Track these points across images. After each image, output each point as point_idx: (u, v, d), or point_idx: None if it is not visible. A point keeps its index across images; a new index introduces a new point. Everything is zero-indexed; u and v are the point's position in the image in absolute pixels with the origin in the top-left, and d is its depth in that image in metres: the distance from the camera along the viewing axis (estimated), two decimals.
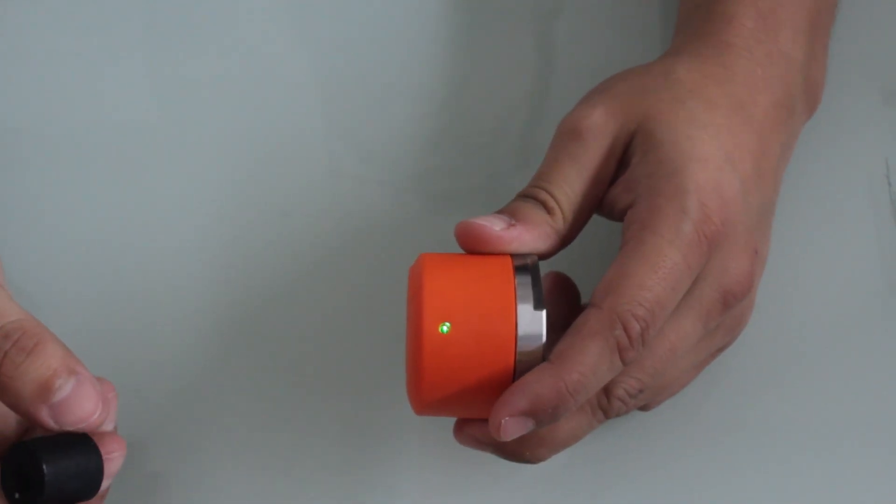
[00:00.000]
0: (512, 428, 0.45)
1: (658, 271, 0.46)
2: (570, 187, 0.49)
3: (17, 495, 0.42)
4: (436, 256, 0.47)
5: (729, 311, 0.49)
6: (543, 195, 0.48)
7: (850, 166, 0.57)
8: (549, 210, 0.48)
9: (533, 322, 0.46)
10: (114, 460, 0.43)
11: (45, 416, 0.42)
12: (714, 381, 0.55)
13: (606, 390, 0.48)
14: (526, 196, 0.49)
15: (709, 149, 0.48)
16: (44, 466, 0.41)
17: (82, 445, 0.43)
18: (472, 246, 0.47)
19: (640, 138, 0.49)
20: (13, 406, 0.42)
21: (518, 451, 0.49)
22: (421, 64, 0.59)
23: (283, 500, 0.54)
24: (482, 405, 0.46)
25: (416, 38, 0.60)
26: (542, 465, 0.52)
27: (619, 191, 0.49)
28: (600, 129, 0.49)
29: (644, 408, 0.52)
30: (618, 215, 0.49)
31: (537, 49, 0.59)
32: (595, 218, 0.51)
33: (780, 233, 0.56)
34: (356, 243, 0.57)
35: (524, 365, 0.45)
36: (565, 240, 0.49)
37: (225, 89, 0.59)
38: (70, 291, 0.55)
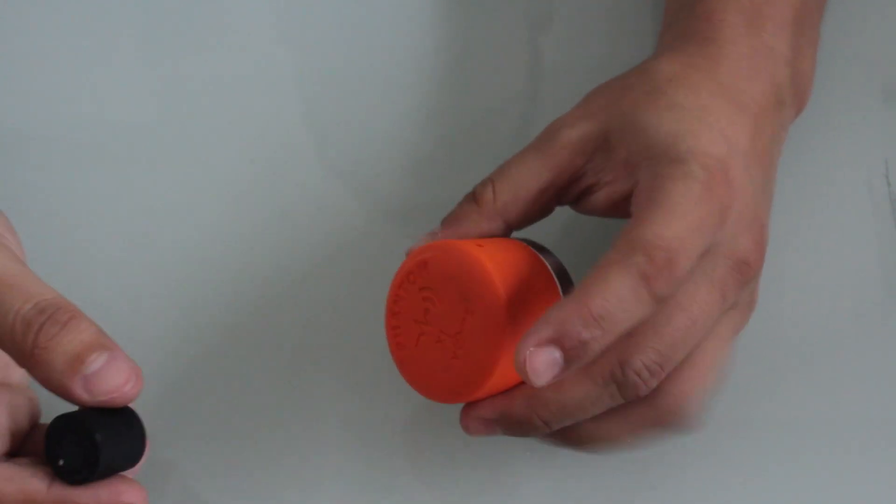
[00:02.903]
0: (539, 360, 0.44)
1: (675, 215, 0.45)
2: (518, 174, 0.49)
3: (60, 462, 0.43)
4: (459, 242, 0.48)
5: (745, 285, 0.48)
6: (480, 188, 0.50)
7: (850, 166, 0.57)
8: (478, 201, 0.49)
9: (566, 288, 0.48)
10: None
11: (79, 388, 0.42)
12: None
13: (622, 361, 0.47)
14: (469, 193, 0.50)
15: (698, 126, 0.48)
16: (97, 436, 0.42)
17: (129, 419, 0.44)
18: None
19: (621, 132, 0.49)
20: (46, 380, 0.42)
21: (527, 418, 0.48)
22: (413, 70, 0.59)
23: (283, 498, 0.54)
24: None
25: (408, 44, 0.60)
26: (541, 463, 0.52)
27: (615, 181, 0.49)
28: (574, 127, 0.50)
29: (674, 411, 0.49)
30: (622, 206, 0.49)
31: (528, 62, 0.59)
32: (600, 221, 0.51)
33: (781, 233, 0.56)
34: (352, 245, 0.57)
35: None
36: (511, 223, 0.50)
37: (224, 89, 0.59)
38: (69, 291, 0.55)
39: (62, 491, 0.43)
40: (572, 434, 0.49)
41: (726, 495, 0.54)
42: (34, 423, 0.48)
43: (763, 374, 0.55)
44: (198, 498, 0.54)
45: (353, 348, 0.55)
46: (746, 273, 0.48)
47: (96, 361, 0.42)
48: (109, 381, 0.42)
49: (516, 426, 0.49)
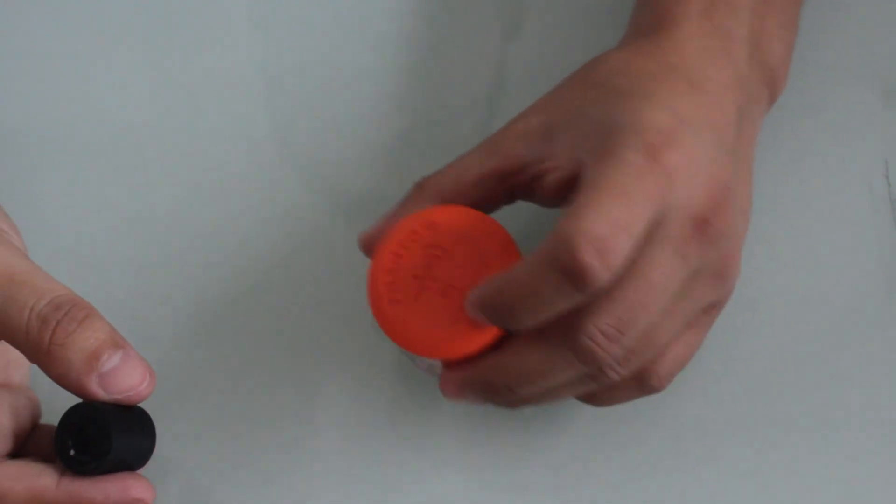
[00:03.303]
0: (477, 305, 0.47)
1: (609, 194, 0.45)
2: (461, 162, 0.51)
3: (71, 452, 0.43)
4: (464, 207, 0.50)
5: (708, 244, 0.47)
6: (426, 176, 0.51)
7: (850, 166, 0.57)
8: (421, 186, 0.51)
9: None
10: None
11: (94, 385, 0.43)
12: (713, 381, 0.55)
13: (574, 326, 0.46)
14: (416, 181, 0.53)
15: (640, 104, 0.47)
16: (110, 426, 0.42)
17: (140, 417, 0.44)
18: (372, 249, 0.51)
19: (565, 123, 0.49)
20: (62, 377, 0.43)
21: (491, 382, 0.48)
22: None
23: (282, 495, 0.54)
24: None
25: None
26: (538, 463, 0.53)
27: (559, 168, 0.49)
28: (519, 121, 0.51)
29: (648, 383, 0.49)
30: (570, 195, 0.48)
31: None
32: None
33: (780, 233, 0.56)
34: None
35: None
36: (454, 201, 0.51)
37: (222, 89, 0.59)
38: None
39: (71, 486, 0.43)
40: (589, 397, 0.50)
41: (726, 495, 0.54)
42: (35, 424, 0.48)
43: (763, 374, 0.55)
44: (198, 493, 0.54)
45: (352, 344, 0.55)
46: (706, 230, 0.47)
47: (112, 359, 0.43)
48: (125, 379, 0.43)
49: (484, 389, 0.48)
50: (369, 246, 0.51)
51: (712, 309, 0.50)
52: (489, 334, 0.48)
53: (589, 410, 0.54)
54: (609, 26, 0.55)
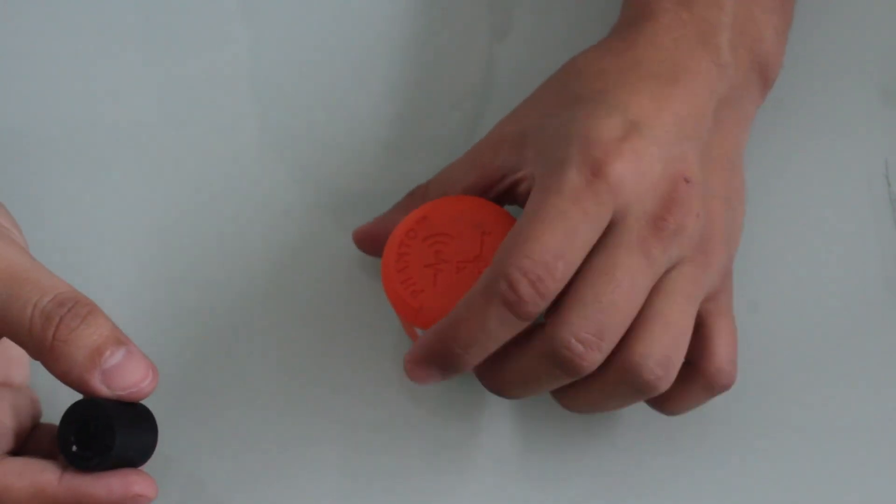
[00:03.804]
0: (419, 374, 0.48)
1: (545, 222, 0.46)
2: (449, 172, 0.53)
3: (73, 448, 0.43)
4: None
5: (670, 240, 0.47)
6: (419, 186, 0.54)
7: (850, 166, 0.57)
8: (413, 195, 0.54)
9: None
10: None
11: (97, 382, 0.42)
12: None
13: (551, 336, 0.46)
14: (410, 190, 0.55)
15: (592, 108, 0.48)
16: (113, 421, 0.42)
17: (143, 413, 0.44)
18: (369, 245, 0.54)
19: (534, 132, 0.50)
20: (64, 373, 0.43)
21: (445, 348, 0.48)
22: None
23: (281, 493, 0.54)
24: None
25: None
26: (537, 466, 0.53)
27: (528, 178, 0.49)
28: (496, 129, 0.52)
29: (634, 370, 0.48)
30: None
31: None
32: None
33: (780, 233, 0.56)
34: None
35: None
36: None
37: (222, 88, 0.59)
38: None
39: (73, 481, 0.43)
40: (561, 395, 0.50)
41: (726, 495, 0.54)
42: (36, 424, 0.48)
43: (763, 374, 0.55)
44: (200, 490, 0.54)
45: (353, 341, 0.56)
46: (663, 227, 0.47)
47: (115, 356, 0.43)
48: (128, 375, 0.43)
49: (440, 358, 0.48)
50: (363, 241, 0.54)
51: (711, 299, 0.50)
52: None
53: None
54: (598, 26, 0.55)
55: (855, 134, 0.58)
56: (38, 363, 0.46)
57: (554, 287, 0.46)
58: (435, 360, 0.47)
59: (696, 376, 0.50)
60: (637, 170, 0.47)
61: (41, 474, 0.43)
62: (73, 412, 0.43)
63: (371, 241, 0.55)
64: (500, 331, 0.46)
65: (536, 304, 0.45)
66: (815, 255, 0.56)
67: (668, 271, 0.48)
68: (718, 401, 0.53)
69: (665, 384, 0.48)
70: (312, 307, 0.56)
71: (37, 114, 0.59)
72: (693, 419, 0.54)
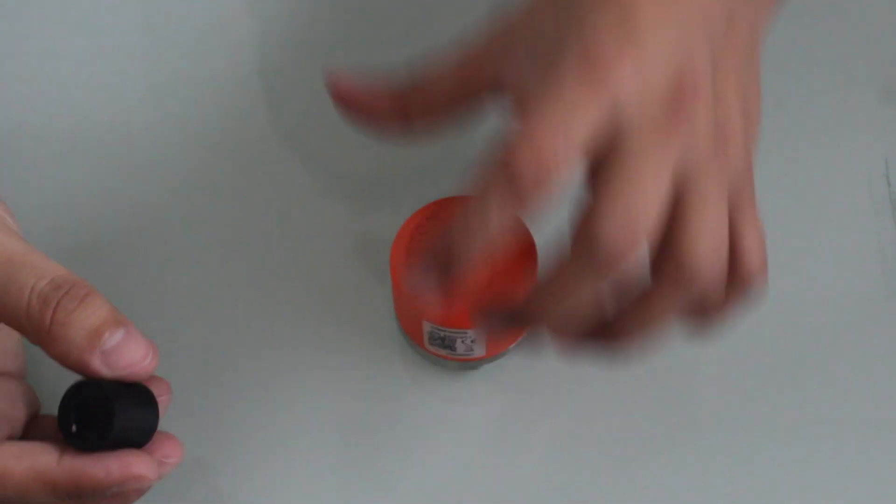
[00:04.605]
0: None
1: (543, 118, 0.42)
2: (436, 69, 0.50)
3: (73, 428, 0.43)
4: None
5: (688, 121, 0.45)
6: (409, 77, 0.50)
7: (850, 166, 0.57)
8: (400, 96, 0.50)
9: None
10: (163, 403, 0.45)
11: (97, 362, 0.42)
12: (713, 381, 0.55)
13: (590, 237, 0.44)
14: None
15: (590, 14, 0.45)
16: (113, 401, 0.42)
17: (144, 393, 0.44)
18: (343, 101, 0.50)
19: (521, 30, 0.47)
20: (63, 356, 0.42)
21: (526, 306, 0.46)
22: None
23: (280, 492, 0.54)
24: None
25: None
26: (533, 462, 0.52)
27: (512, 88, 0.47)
28: (489, 31, 0.49)
29: (684, 269, 0.45)
30: None
31: None
32: None
33: (780, 233, 0.56)
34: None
35: None
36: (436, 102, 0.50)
37: (221, 88, 0.59)
38: None
39: (73, 462, 0.42)
40: (617, 329, 0.47)
41: (725, 495, 0.53)
42: (33, 413, 0.48)
43: (763, 374, 0.55)
44: (199, 485, 0.54)
45: (355, 339, 0.55)
46: (679, 109, 0.45)
47: (114, 336, 0.42)
48: (127, 355, 0.43)
49: (517, 316, 0.46)
50: (340, 95, 0.50)
51: (735, 193, 0.47)
52: (531, 259, 0.51)
53: (585, 403, 0.54)
54: None
55: (855, 134, 0.58)
56: (34, 357, 0.46)
57: (556, 174, 0.42)
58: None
59: (730, 276, 0.46)
60: (646, 53, 0.44)
61: (40, 456, 0.43)
62: (72, 392, 0.43)
63: (348, 101, 0.50)
64: (496, 206, 0.42)
65: (538, 186, 0.42)
66: (815, 255, 0.56)
67: (687, 170, 0.45)
68: (717, 400, 0.53)
69: (718, 273, 0.45)
70: (314, 303, 0.56)
71: (36, 114, 0.59)
72: (691, 420, 0.54)
